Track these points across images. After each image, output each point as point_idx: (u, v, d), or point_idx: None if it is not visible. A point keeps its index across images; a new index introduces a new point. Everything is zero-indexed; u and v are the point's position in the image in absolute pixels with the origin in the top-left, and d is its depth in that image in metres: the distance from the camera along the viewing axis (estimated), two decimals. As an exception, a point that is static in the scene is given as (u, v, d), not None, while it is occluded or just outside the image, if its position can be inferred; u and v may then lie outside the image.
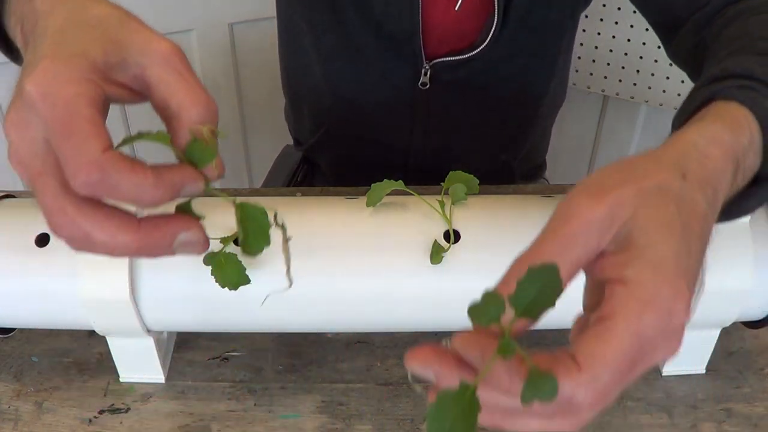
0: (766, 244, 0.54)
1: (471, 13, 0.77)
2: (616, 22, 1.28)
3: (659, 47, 0.72)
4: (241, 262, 0.50)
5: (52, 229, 0.35)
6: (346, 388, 0.60)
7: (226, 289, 0.50)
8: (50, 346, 0.64)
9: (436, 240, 0.53)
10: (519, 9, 0.76)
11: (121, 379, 0.61)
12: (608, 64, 1.33)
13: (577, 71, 1.36)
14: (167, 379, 0.61)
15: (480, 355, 0.32)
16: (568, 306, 0.54)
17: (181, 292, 0.53)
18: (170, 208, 0.37)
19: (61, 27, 0.36)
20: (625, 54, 1.30)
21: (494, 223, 0.54)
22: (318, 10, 0.81)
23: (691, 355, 0.60)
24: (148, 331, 0.56)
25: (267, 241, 0.40)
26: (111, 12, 0.37)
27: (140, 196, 0.33)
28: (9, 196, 0.59)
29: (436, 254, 0.52)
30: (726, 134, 0.40)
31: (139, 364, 0.59)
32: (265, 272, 0.53)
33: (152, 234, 0.35)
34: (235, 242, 0.52)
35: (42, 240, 0.54)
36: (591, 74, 1.36)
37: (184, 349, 0.64)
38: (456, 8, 0.77)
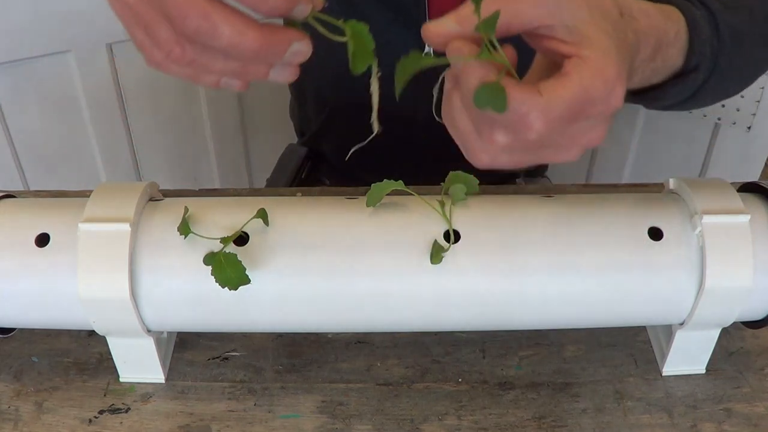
0: (766, 244, 0.54)
1: None
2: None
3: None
4: (241, 262, 0.50)
5: (178, 28, 0.38)
6: (346, 388, 0.60)
7: (226, 289, 0.50)
8: (50, 346, 0.64)
9: (436, 240, 0.53)
10: None
11: (121, 379, 0.61)
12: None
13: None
14: (167, 379, 0.61)
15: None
16: (567, 306, 0.54)
17: (180, 292, 0.53)
18: None
19: None
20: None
21: (494, 223, 0.54)
22: None
23: (691, 355, 0.60)
24: (148, 331, 0.56)
25: (371, 60, 0.42)
26: None
27: None
28: (9, 196, 0.59)
29: (436, 254, 0.52)
30: (658, 15, 0.47)
31: (139, 364, 0.59)
32: (265, 272, 0.53)
33: (273, 36, 0.39)
34: (236, 242, 0.53)
35: (42, 240, 0.54)
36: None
37: (184, 349, 0.64)
38: None
